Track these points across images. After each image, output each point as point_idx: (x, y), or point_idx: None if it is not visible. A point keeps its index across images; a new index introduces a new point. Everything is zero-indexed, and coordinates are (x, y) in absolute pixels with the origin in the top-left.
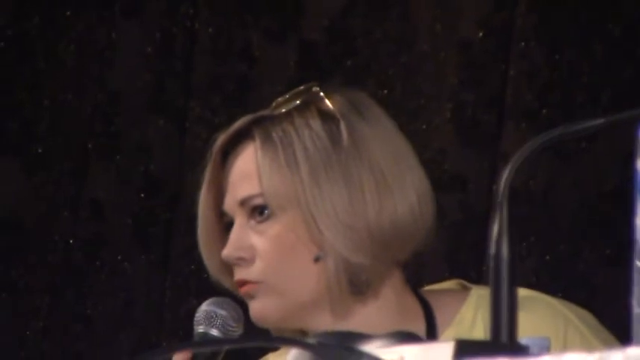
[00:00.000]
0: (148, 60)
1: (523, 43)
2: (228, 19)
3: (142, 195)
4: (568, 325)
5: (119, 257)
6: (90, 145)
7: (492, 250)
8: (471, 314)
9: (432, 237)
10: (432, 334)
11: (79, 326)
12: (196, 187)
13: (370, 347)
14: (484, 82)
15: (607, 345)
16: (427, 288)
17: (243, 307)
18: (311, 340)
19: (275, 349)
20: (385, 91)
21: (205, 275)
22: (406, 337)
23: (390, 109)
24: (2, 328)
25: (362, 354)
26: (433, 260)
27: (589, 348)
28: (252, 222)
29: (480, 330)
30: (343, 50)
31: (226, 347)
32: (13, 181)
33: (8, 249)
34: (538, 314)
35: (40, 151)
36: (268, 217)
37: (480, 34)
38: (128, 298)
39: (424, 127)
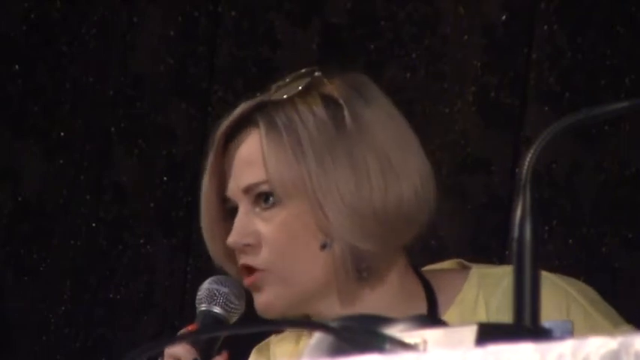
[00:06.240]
0: (171, 43)
1: (546, 26)
2: (251, 2)
3: (165, 178)
4: (570, 301)
5: (141, 241)
6: (112, 129)
7: (515, 233)
8: (472, 294)
9: (434, 220)
10: (433, 314)
11: (102, 310)
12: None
13: (392, 331)
14: (507, 65)
15: (608, 318)
16: (427, 268)
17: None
18: (333, 324)
19: (278, 332)
20: (408, 75)
21: None
22: (428, 320)
23: (413, 92)
24: (25, 312)
25: (385, 338)
26: (456, 243)
27: (591, 322)
28: (257, 209)
29: (482, 310)
30: (366, 33)
31: (245, 331)
32: (35, 164)
33: (30, 233)
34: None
35: (62, 134)
36: (274, 205)
37: (503, 17)
38: (150, 281)
39: (447, 110)
